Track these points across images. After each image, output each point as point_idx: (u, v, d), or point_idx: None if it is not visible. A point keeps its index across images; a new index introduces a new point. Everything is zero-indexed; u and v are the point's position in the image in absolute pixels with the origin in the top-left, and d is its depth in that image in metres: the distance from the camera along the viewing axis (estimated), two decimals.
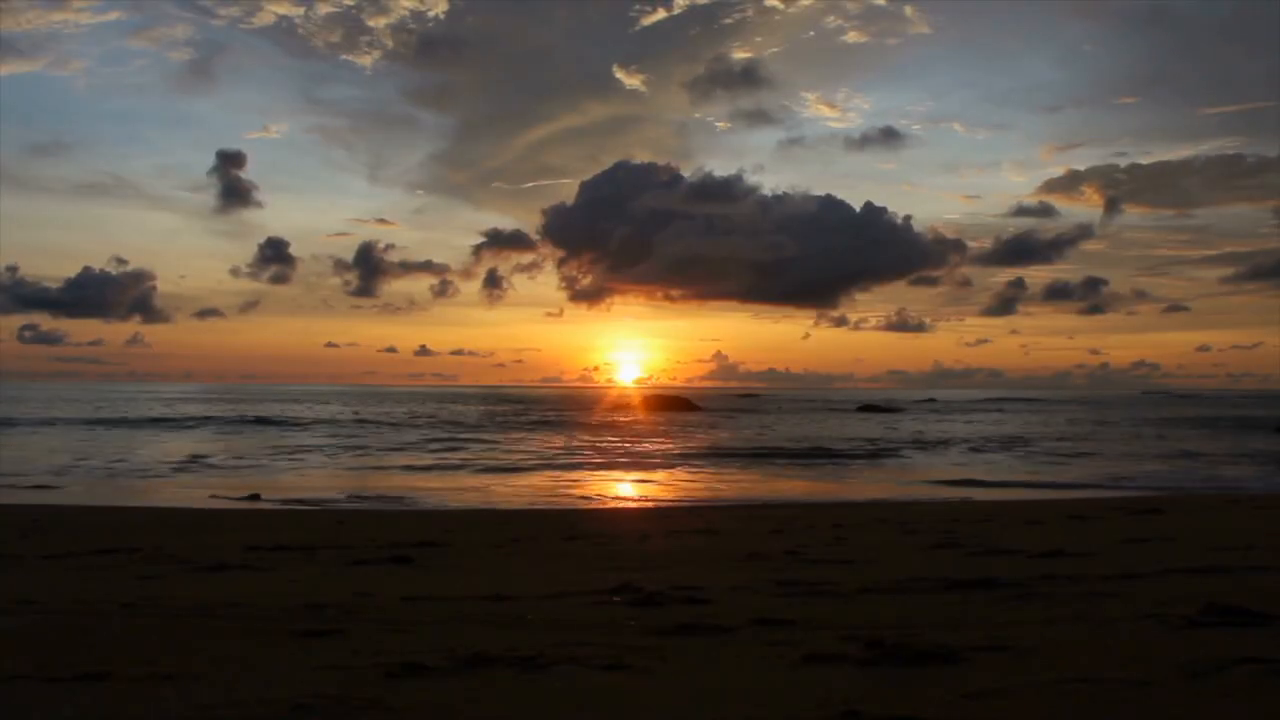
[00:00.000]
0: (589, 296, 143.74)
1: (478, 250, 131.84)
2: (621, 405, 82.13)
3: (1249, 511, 13.51)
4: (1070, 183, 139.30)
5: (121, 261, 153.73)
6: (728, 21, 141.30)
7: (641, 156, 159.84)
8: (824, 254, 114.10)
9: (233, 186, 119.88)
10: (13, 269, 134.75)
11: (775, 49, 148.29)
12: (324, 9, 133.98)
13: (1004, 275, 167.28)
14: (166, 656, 4.62)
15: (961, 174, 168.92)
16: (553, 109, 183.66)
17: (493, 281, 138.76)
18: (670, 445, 35.41)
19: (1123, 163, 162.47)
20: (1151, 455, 31.05)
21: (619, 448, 34.04)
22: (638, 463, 28.13)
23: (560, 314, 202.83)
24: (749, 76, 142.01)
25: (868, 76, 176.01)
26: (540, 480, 22.74)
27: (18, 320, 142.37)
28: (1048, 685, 3.91)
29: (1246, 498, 16.93)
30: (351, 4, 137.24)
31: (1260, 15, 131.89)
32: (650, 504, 18.51)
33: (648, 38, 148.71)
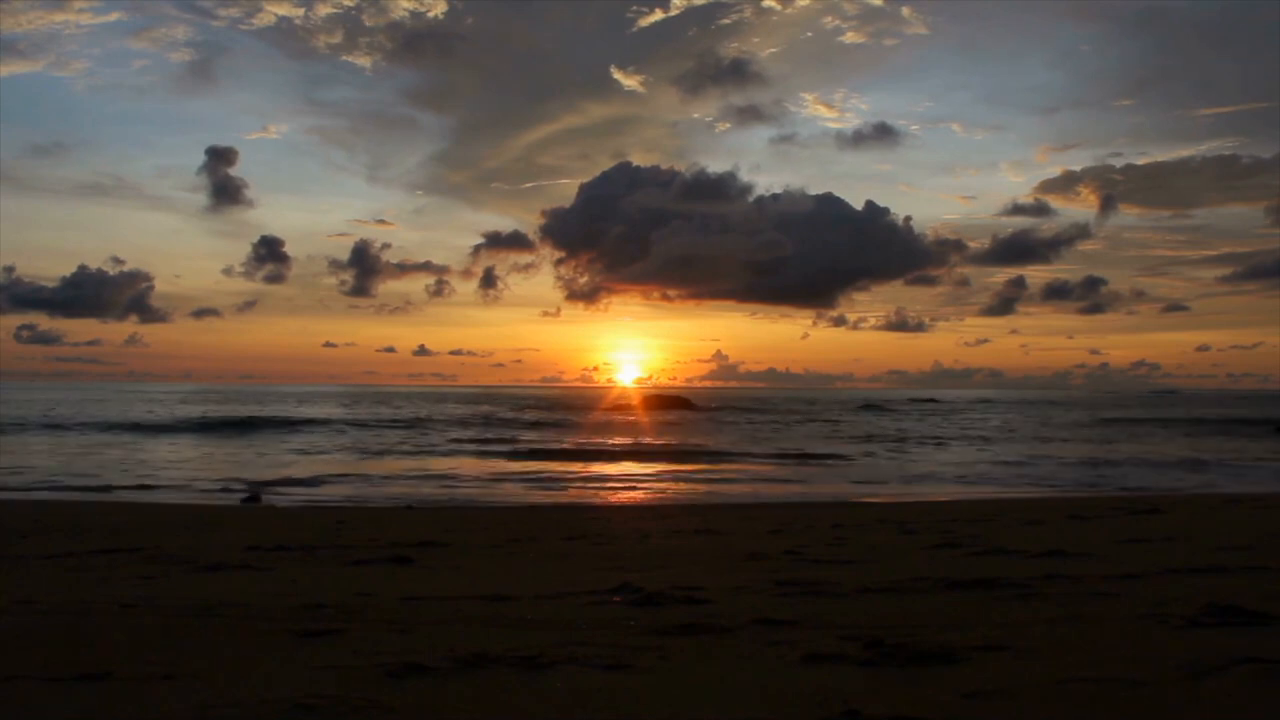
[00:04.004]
0: (588, 297, 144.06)
1: (477, 250, 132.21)
2: (622, 405, 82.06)
3: (1249, 511, 13.50)
4: (1066, 183, 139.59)
5: (119, 261, 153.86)
6: (725, 22, 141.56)
7: (640, 157, 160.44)
8: (822, 254, 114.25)
9: (228, 186, 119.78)
10: (9, 269, 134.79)
11: (773, 49, 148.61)
12: (324, 9, 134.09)
13: (1002, 275, 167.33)
14: (166, 656, 4.62)
15: (958, 174, 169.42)
16: (551, 109, 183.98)
17: (491, 282, 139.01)
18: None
19: (1118, 163, 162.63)
20: (1152, 455, 31.06)
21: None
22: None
23: (558, 314, 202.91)
24: (747, 77, 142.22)
25: (865, 77, 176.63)
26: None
27: (15, 320, 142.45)
28: (1048, 685, 3.92)
29: (1246, 498, 16.92)
30: (351, 4, 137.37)
31: (1255, 17, 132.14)
32: (650, 504, 18.51)
33: (645, 38, 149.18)
